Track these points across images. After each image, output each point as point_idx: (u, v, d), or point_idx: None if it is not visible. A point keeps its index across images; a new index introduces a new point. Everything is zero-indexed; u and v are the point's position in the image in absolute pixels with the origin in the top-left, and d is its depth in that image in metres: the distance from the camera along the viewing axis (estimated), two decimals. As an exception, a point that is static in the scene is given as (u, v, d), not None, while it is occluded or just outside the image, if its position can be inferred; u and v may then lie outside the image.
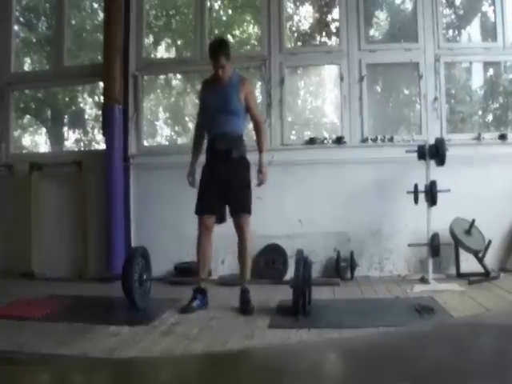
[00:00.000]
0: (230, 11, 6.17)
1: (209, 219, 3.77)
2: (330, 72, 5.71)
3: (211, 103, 3.82)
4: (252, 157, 3.84)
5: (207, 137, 3.98)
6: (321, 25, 5.86)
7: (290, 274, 4.49)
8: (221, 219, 3.85)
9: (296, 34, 6.01)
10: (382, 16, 5.86)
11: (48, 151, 6.31)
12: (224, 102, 3.75)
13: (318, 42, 5.89)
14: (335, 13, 5.59)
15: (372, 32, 5.69)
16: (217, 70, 3.76)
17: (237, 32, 6.20)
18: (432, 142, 4.54)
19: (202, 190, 3.82)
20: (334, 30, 5.63)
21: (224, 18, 6.12)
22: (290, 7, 5.85)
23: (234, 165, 3.76)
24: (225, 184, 3.74)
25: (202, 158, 3.92)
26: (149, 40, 5.92)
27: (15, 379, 0.81)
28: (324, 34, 5.90)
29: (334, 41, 5.68)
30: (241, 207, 3.76)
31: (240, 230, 3.76)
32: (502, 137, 5.00)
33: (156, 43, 6.08)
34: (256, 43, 5.88)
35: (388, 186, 4.91)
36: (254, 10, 5.92)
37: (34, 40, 6.48)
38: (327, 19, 5.87)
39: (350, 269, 4.80)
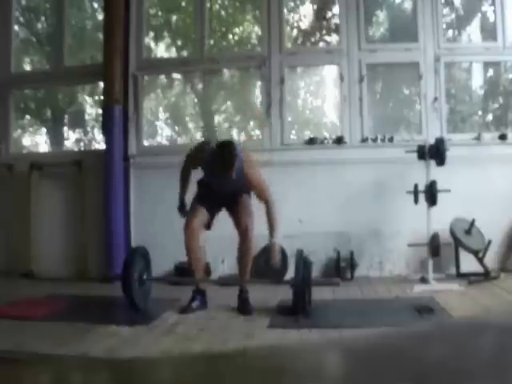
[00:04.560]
0: (230, 11, 6.17)
1: (196, 224, 3.71)
2: (330, 72, 5.71)
3: (212, 184, 3.71)
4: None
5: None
6: (321, 25, 5.86)
7: (290, 274, 4.49)
8: (208, 227, 3.85)
9: (296, 34, 6.01)
10: (382, 16, 5.86)
11: (48, 151, 6.31)
12: (228, 189, 3.67)
13: (317, 42, 5.90)
14: (335, 13, 5.60)
15: (372, 32, 5.69)
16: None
17: (237, 31, 6.20)
18: (432, 141, 4.53)
19: (196, 203, 3.77)
20: (334, 31, 5.63)
21: (224, 18, 6.12)
22: (290, 7, 5.85)
23: (232, 182, 3.60)
24: (225, 198, 3.72)
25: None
26: (149, 39, 5.92)
27: (15, 379, 0.81)
28: (324, 34, 5.90)
29: (334, 40, 5.68)
30: (245, 214, 3.70)
31: (244, 234, 3.70)
32: (502, 137, 5.00)
33: (156, 42, 6.08)
34: (256, 43, 5.88)
35: (388, 186, 4.91)
36: (254, 5, 5.91)
37: (34, 40, 6.48)
38: (327, 19, 5.87)
39: (350, 269, 4.80)
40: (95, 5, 6.27)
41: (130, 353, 2.71)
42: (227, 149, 3.43)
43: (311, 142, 5.19)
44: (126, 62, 5.32)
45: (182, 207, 3.86)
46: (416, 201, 4.45)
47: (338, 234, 4.95)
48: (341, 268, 4.79)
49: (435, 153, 4.43)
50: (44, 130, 6.59)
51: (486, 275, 4.43)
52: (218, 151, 3.44)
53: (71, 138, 6.45)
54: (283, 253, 4.85)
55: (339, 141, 5.13)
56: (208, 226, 3.85)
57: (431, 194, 4.38)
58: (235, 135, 6.15)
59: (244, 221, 3.70)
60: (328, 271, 4.93)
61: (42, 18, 6.46)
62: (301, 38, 5.99)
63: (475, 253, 4.52)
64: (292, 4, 5.89)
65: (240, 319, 3.46)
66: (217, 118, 6.28)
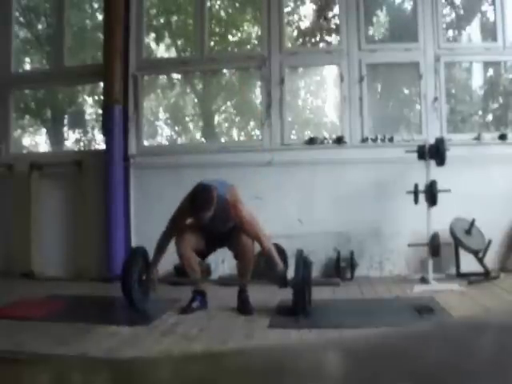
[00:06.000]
0: (230, 11, 6.17)
1: (189, 240, 3.66)
2: (330, 72, 5.71)
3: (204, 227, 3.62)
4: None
5: None
6: (321, 25, 5.86)
7: (290, 273, 4.49)
8: (203, 256, 3.86)
9: (296, 35, 6.01)
10: (382, 16, 5.86)
11: (48, 151, 6.31)
12: (219, 229, 3.65)
13: (318, 43, 5.90)
14: (335, 13, 5.60)
15: (372, 32, 5.69)
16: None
17: (237, 32, 6.20)
18: (432, 141, 4.53)
19: (189, 228, 3.69)
20: (334, 31, 5.63)
21: (224, 18, 6.12)
22: (290, 7, 5.85)
23: (221, 224, 3.61)
24: (220, 235, 3.70)
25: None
26: (149, 39, 5.92)
27: (15, 379, 0.81)
28: (324, 34, 5.90)
29: (334, 41, 5.69)
30: (246, 239, 3.63)
31: (246, 253, 3.69)
32: (502, 137, 5.00)
33: (157, 43, 6.08)
34: (256, 43, 5.89)
35: (388, 186, 4.91)
36: (254, 7, 5.91)
37: (34, 40, 6.48)
38: (327, 20, 5.87)
39: (350, 269, 4.80)
40: (95, 5, 6.27)
41: (130, 353, 2.71)
42: (200, 194, 3.42)
43: (311, 142, 5.19)
44: (126, 62, 5.32)
45: (149, 279, 3.63)
46: (416, 201, 4.45)
47: (338, 233, 4.95)
48: (341, 268, 4.79)
49: (435, 153, 4.42)
50: (44, 130, 6.59)
51: (486, 275, 4.42)
52: (192, 195, 3.47)
53: (71, 138, 6.46)
54: (283, 252, 4.86)
55: (339, 141, 5.13)
56: (203, 256, 3.85)
57: (431, 194, 4.38)
58: (235, 135, 6.16)
59: (247, 243, 3.65)
60: (328, 271, 4.93)
61: (42, 18, 6.46)
62: (301, 39, 5.99)
63: (475, 253, 4.52)
64: (292, 4, 5.89)
65: (240, 319, 3.46)
66: (217, 118, 6.28)
